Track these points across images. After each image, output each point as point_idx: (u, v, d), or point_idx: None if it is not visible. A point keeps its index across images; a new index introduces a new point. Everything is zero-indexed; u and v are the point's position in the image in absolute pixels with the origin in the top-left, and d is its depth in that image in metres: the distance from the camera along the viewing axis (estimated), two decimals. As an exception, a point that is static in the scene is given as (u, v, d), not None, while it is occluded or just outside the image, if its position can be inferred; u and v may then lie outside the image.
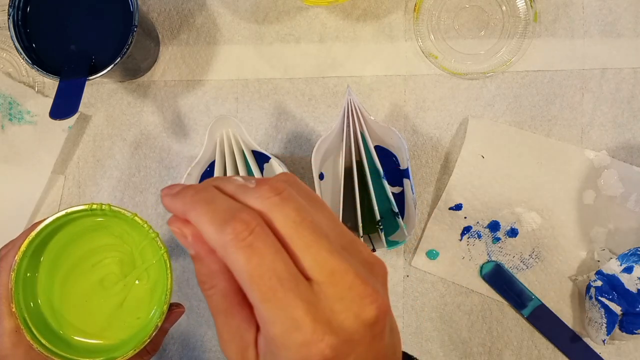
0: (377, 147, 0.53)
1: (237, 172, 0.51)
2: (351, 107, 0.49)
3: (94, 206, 0.41)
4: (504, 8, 0.57)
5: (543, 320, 0.57)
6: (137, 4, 0.49)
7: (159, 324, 0.41)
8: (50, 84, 0.58)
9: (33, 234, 0.40)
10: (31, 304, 0.41)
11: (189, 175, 0.50)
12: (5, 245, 0.43)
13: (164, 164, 0.59)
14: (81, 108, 0.59)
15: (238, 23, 0.58)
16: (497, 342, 0.57)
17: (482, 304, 0.58)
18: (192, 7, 0.58)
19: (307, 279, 0.25)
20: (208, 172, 0.52)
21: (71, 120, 0.57)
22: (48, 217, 0.41)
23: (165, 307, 0.41)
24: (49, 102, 0.47)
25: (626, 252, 0.54)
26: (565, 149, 0.57)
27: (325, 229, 0.25)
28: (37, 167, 0.57)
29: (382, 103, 0.58)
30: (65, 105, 0.47)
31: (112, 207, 0.41)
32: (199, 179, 0.52)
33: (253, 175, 0.52)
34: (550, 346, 0.57)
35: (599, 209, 0.57)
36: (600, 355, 0.56)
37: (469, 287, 0.58)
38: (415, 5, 0.57)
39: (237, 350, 0.27)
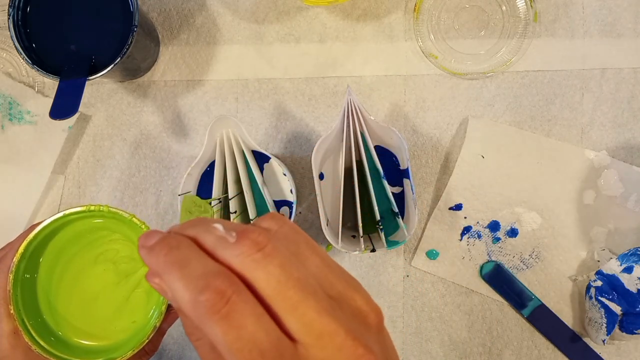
0: (377, 147, 0.53)
1: (237, 173, 0.51)
2: (351, 107, 0.49)
3: (92, 207, 0.41)
4: (504, 8, 0.57)
5: (543, 320, 0.57)
6: (137, 4, 0.49)
7: (157, 325, 0.41)
8: (50, 84, 0.58)
9: (31, 235, 0.40)
10: (30, 305, 0.41)
11: (189, 175, 0.50)
12: (3, 248, 0.43)
13: (164, 164, 0.59)
14: (81, 108, 0.59)
15: (238, 23, 0.58)
16: (497, 342, 0.57)
17: (482, 304, 0.58)
18: (192, 7, 0.58)
19: (293, 340, 0.23)
20: (208, 172, 0.52)
21: (71, 120, 0.57)
22: (46, 219, 0.40)
23: (164, 308, 0.41)
24: (49, 102, 0.47)
25: (626, 252, 0.54)
26: (565, 149, 0.57)
27: (314, 281, 0.24)
28: (37, 167, 0.57)
29: (382, 103, 0.58)
30: (65, 105, 0.47)
31: (110, 208, 0.41)
32: (199, 179, 0.52)
33: (254, 176, 0.52)
34: (550, 346, 0.57)
35: (599, 209, 0.57)
36: (600, 355, 0.56)
37: (469, 287, 0.58)
38: (415, 5, 0.57)
39: None
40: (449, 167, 0.58)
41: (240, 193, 0.52)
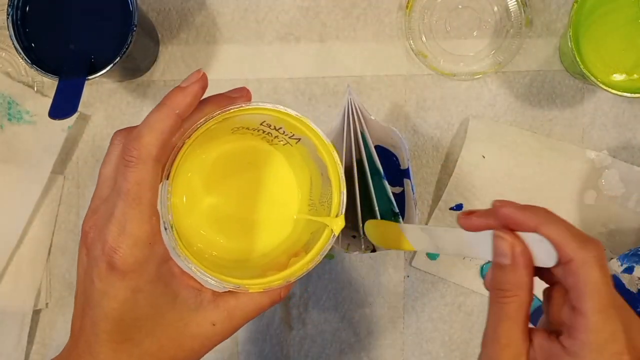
0: (377, 147, 0.53)
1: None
2: (351, 106, 0.48)
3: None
4: (495, 9, 0.57)
5: (544, 320, 0.57)
6: (136, 3, 0.49)
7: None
8: (50, 84, 0.58)
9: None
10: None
11: None
12: (122, 131, 0.36)
13: (164, 164, 0.58)
14: (80, 108, 0.58)
15: (238, 22, 0.58)
16: (497, 342, 0.57)
17: (482, 304, 0.57)
18: (191, 6, 0.58)
19: None
20: None
21: (70, 120, 0.57)
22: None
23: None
24: (48, 101, 0.47)
25: (627, 252, 0.54)
26: (566, 149, 0.57)
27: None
28: (36, 167, 0.57)
29: (383, 103, 0.58)
30: (64, 105, 0.47)
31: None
32: None
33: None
34: (551, 347, 0.57)
35: (599, 209, 0.57)
36: (601, 355, 0.56)
37: (469, 288, 0.57)
38: (408, 4, 0.57)
39: (512, 354, 0.32)
40: (449, 167, 0.58)
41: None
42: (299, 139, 0.39)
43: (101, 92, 0.59)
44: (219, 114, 0.35)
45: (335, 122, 0.49)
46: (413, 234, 0.39)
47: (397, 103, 0.58)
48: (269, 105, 0.36)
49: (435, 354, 0.58)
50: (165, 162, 0.34)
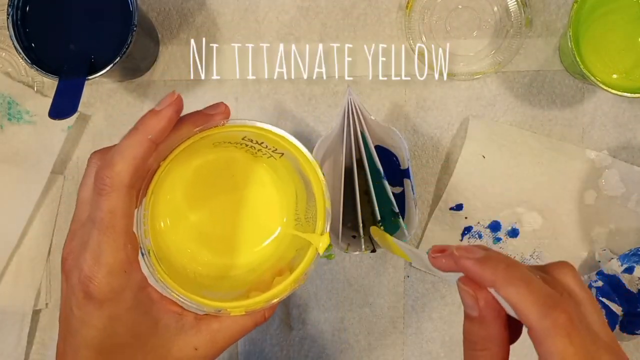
0: (377, 147, 0.53)
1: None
2: (351, 106, 0.48)
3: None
4: (495, 9, 0.57)
5: (544, 320, 0.56)
6: (136, 3, 0.49)
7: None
8: (50, 84, 0.58)
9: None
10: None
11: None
12: (97, 153, 0.35)
13: (164, 164, 0.58)
14: (80, 108, 0.58)
15: (238, 22, 0.58)
16: (497, 342, 0.57)
17: (482, 304, 0.57)
18: (191, 6, 0.58)
19: None
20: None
21: (70, 120, 0.57)
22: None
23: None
24: (48, 101, 0.47)
25: (627, 252, 0.54)
26: (566, 148, 0.57)
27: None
28: (36, 167, 0.57)
29: (382, 103, 0.58)
30: (64, 105, 0.46)
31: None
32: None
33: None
34: (551, 347, 0.57)
35: (600, 209, 0.57)
36: (601, 355, 0.56)
37: (469, 288, 0.57)
38: (408, 4, 0.57)
39: None
40: (449, 167, 0.58)
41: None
42: (282, 153, 0.39)
43: (101, 92, 0.59)
44: (195, 133, 0.35)
45: (335, 122, 0.49)
46: (406, 249, 0.39)
47: (397, 103, 0.58)
48: (248, 123, 0.36)
49: (435, 354, 0.58)
50: (140, 186, 0.34)
